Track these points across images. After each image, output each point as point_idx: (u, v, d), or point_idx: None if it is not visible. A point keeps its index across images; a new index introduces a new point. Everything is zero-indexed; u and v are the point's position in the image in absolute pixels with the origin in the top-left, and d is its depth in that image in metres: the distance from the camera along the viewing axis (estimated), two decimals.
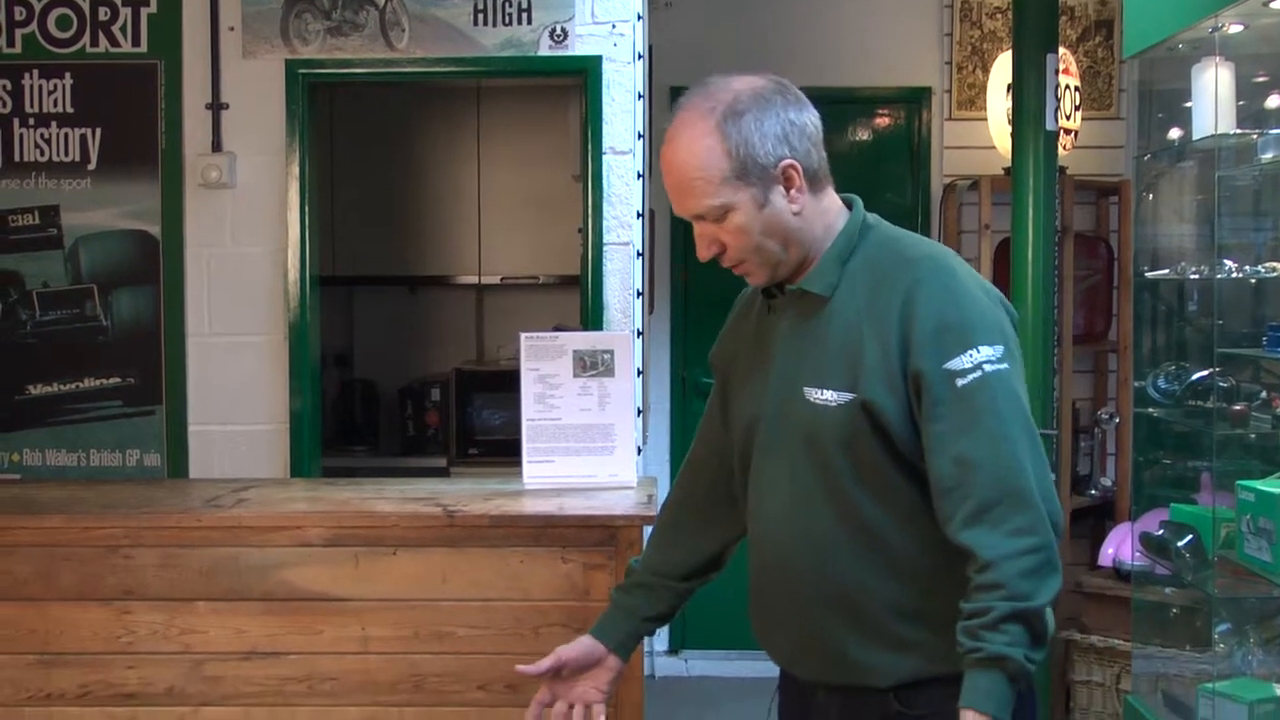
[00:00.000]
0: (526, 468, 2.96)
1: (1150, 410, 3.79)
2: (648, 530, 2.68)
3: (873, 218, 1.97)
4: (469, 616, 2.68)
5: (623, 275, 3.63)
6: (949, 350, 1.81)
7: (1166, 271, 3.86)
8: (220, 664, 2.71)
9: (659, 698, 5.33)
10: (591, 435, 2.93)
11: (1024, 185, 4.22)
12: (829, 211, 1.94)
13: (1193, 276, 3.68)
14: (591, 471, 2.93)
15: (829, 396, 1.87)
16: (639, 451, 3.37)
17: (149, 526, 2.72)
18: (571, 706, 2.09)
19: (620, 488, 2.90)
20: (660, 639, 5.79)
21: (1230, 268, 3.38)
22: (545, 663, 2.07)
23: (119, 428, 3.79)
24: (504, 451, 4.54)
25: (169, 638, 2.71)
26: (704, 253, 1.92)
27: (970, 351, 1.81)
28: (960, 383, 1.80)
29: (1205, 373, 3.50)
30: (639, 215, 3.62)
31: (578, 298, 4.00)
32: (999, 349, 1.83)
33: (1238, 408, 3.35)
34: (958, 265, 1.90)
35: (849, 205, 1.97)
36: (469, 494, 2.89)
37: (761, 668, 6.17)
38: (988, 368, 1.81)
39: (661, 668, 5.72)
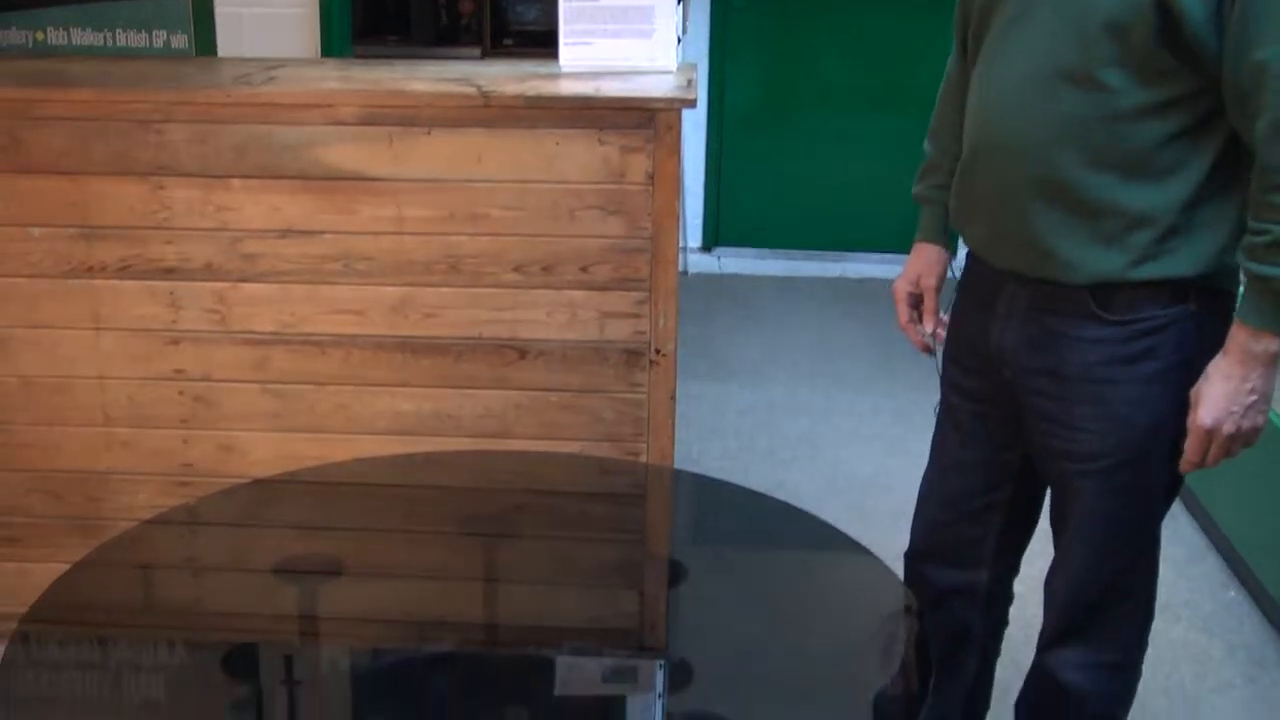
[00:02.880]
0: (563, 50, 2.86)
1: None
2: (686, 114, 2.62)
3: None
4: (504, 198, 2.66)
5: None
6: None
7: None
8: (257, 241, 2.71)
9: (693, 293, 5.41)
10: (630, 17, 2.82)
11: None
12: None
13: None
14: (630, 55, 2.84)
15: None
16: (678, 40, 3.27)
17: (179, 102, 2.67)
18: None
19: (659, 72, 2.82)
20: (694, 236, 5.83)
21: None
22: (927, 319, 2.22)
23: (143, 7, 3.67)
24: (539, 43, 4.42)
25: (205, 214, 2.70)
26: None
27: None
28: None
29: None
30: None
31: None
32: None
33: None
34: None
35: None
36: (504, 76, 2.82)
37: (790, 266, 6.29)
38: None
39: (694, 264, 5.78)
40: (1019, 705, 2.30)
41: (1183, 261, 1.83)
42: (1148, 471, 1.93)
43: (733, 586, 2.37)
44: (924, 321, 2.22)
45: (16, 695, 1.87)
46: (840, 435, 4.37)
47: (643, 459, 2.78)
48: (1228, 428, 1.81)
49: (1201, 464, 1.87)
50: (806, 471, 4.11)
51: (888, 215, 5.77)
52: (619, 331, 2.72)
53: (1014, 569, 2.30)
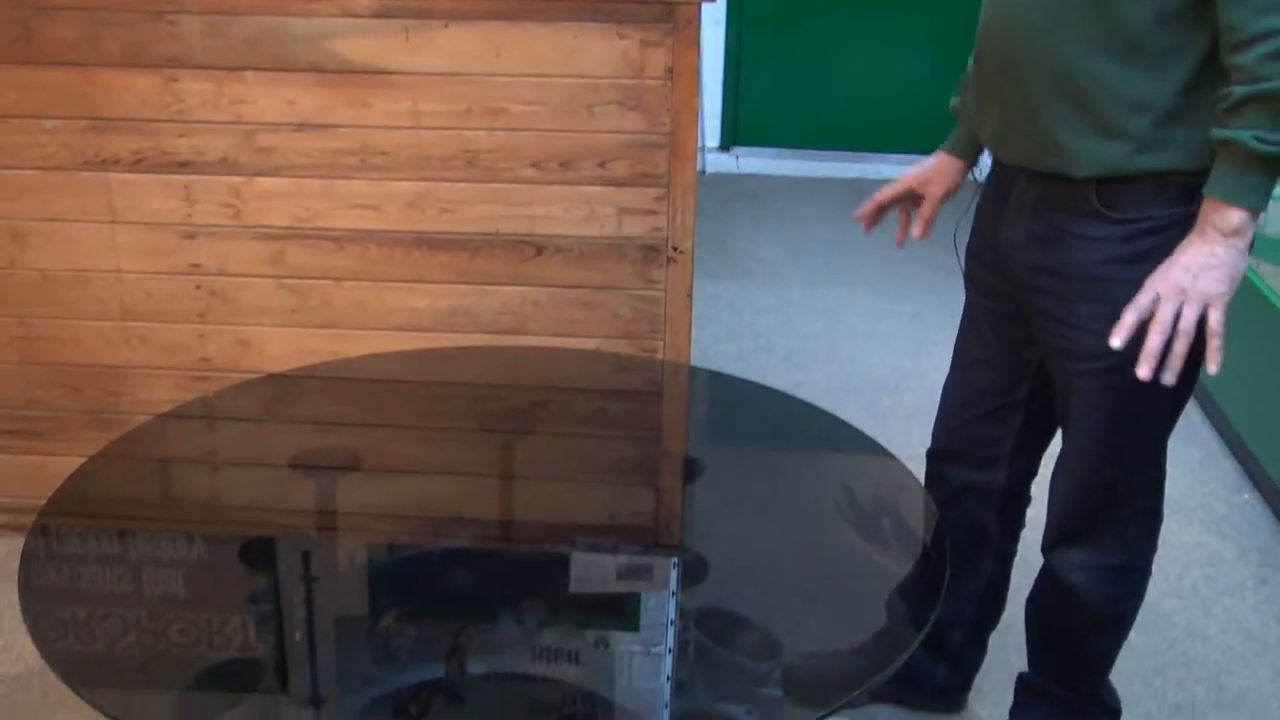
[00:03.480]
0: None
1: None
2: (706, 11, 2.58)
3: None
4: (522, 92, 2.62)
5: None
6: None
7: None
8: (271, 135, 2.69)
9: (710, 193, 5.38)
10: None
11: None
12: None
13: None
14: None
15: None
16: None
17: None
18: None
19: None
20: (711, 135, 5.78)
21: None
22: (918, 224, 2.25)
23: None
24: None
25: (219, 107, 2.68)
26: None
27: None
28: None
29: None
30: None
31: None
32: None
33: None
34: None
35: None
36: None
37: (808, 167, 6.25)
38: None
39: (712, 164, 5.74)
40: (1029, 605, 2.31)
41: (1183, 152, 1.81)
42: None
43: (749, 484, 2.37)
44: (915, 224, 2.26)
45: (37, 586, 1.88)
46: (857, 336, 4.36)
47: (659, 356, 2.78)
48: (1180, 279, 1.78)
49: (1143, 319, 1.81)
50: (823, 372, 4.10)
51: (908, 116, 5.70)
52: (637, 228, 2.70)
53: (1032, 471, 2.30)
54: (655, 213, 2.68)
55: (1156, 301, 1.80)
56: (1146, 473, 2.08)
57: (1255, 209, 1.76)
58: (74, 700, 2.47)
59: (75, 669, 1.74)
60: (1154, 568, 3.05)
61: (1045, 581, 2.23)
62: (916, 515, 2.21)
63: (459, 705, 1.97)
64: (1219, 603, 2.96)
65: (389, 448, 2.44)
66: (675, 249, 2.70)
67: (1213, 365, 1.82)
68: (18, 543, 1.92)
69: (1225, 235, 1.76)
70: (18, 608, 1.77)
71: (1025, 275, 2.00)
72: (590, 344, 2.78)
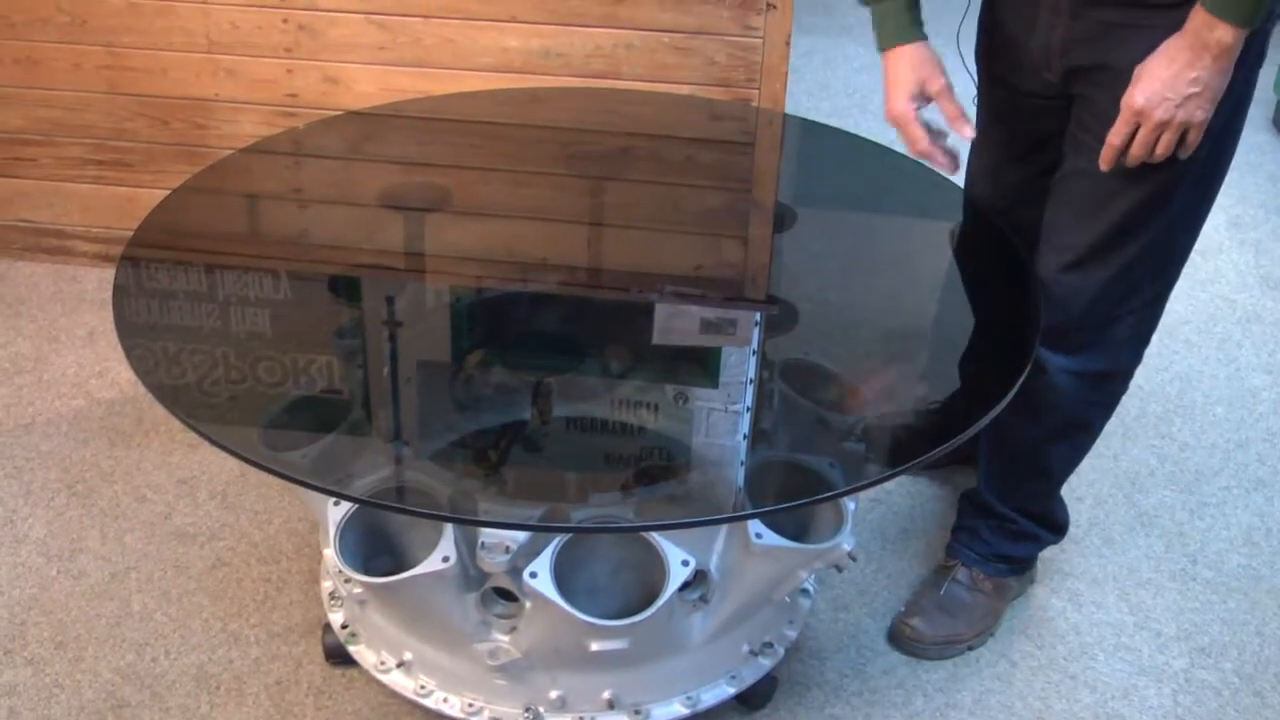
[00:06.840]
0: None
1: None
2: None
3: None
4: None
5: None
6: None
7: None
8: None
9: None
10: None
11: None
12: None
13: None
14: None
15: None
16: None
17: None
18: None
19: None
20: None
21: None
22: (959, 125, 1.94)
23: None
24: None
25: None
26: None
27: None
28: None
29: None
30: None
31: None
32: None
33: None
34: None
35: None
36: None
37: None
38: None
39: None
40: None
41: None
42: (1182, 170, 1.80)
43: (840, 235, 2.33)
44: (956, 128, 1.96)
45: (130, 317, 1.90)
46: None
47: (754, 105, 2.70)
48: (1160, 113, 1.69)
49: (1124, 151, 1.74)
50: None
51: None
52: None
53: None
54: None
55: (1135, 124, 1.71)
56: (1158, 265, 1.94)
57: (1246, 27, 1.63)
58: (166, 427, 2.55)
59: (170, 396, 1.76)
60: (1244, 340, 3.00)
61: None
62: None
63: (538, 451, 1.99)
64: None
65: (476, 189, 2.42)
66: None
67: (1184, 153, 1.74)
68: (109, 272, 1.93)
69: (1214, 56, 1.65)
70: (112, 334, 1.79)
71: (1066, 79, 1.87)
72: (684, 90, 2.71)
